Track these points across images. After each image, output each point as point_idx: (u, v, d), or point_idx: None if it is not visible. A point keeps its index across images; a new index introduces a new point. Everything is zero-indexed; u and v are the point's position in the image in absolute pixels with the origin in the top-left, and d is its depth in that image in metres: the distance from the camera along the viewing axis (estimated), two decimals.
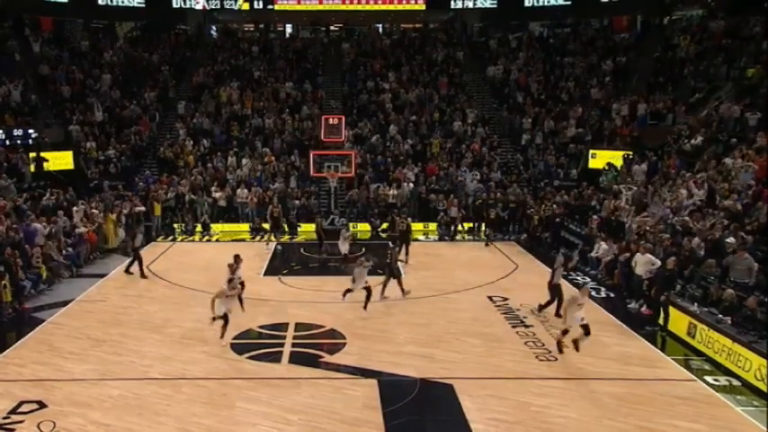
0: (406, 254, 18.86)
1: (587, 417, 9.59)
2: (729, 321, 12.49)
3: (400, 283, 15.32)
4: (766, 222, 14.86)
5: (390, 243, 19.20)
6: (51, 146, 25.12)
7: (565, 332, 11.98)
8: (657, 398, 10.30)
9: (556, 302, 14.18)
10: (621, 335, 13.29)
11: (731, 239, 14.59)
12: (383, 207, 24.35)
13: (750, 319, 12.12)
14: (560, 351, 11.92)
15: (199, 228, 23.54)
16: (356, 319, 13.77)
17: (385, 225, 23.17)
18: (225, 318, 12.12)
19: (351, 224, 23.56)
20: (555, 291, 14.30)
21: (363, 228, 23.96)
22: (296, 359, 11.59)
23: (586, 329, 11.72)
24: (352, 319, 13.70)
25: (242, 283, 13.79)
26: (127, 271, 17.32)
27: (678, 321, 13.48)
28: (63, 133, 26.69)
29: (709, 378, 11.22)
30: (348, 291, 14.45)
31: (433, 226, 23.66)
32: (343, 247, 18.54)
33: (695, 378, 11.20)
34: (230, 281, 12.61)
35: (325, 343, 12.42)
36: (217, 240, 22.36)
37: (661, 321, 13.86)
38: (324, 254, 19.96)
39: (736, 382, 11.08)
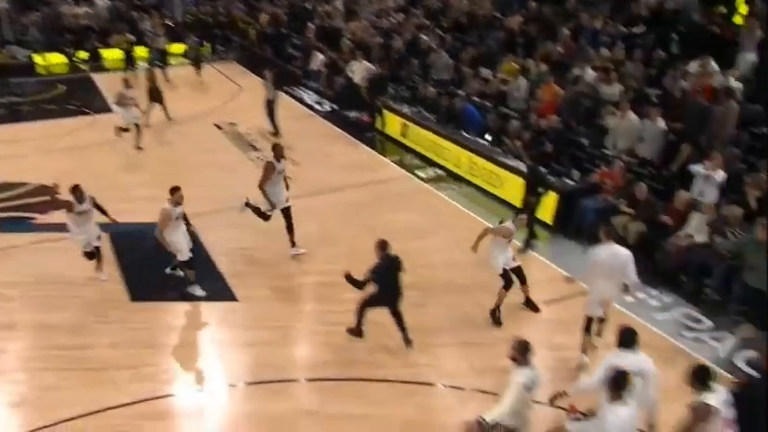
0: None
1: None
2: (434, 118, 14.40)
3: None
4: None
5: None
6: None
7: None
8: (382, 197, 11.82)
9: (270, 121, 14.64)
10: (347, 145, 14.52)
11: (425, 38, 16.25)
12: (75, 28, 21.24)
13: (450, 113, 14.08)
14: None
15: None
16: (69, 169, 11.90)
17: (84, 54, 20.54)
18: None
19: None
20: (269, 107, 14.59)
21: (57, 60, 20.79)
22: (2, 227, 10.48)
23: None
24: (64, 170, 11.84)
25: None
26: None
27: (393, 123, 15.11)
28: None
29: (420, 172, 13.09)
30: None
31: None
32: None
33: (409, 174, 13.01)
34: None
35: (34, 203, 11.27)
36: None
37: (379, 126, 15.39)
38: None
39: (440, 172, 13.14)
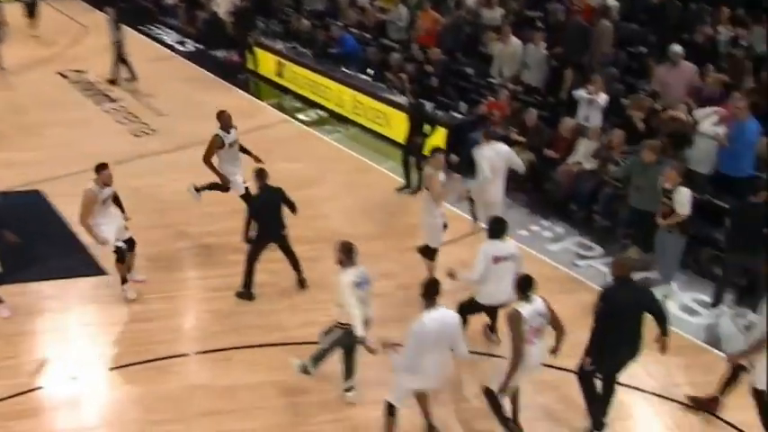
0: None
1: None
2: (311, 54, 14.12)
3: None
4: None
5: None
6: None
7: None
8: (262, 145, 11.41)
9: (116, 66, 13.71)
10: (217, 89, 13.92)
11: None
12: None
13: (325, 50, 13.84)
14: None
15: None
16: None
17: None
18: None
19: None
20: (116, 49, 13.75)
21: None
22: None
23: None
24: None
25: None
26: None
27: (266, 62, 14.67)
28: None
29: (301, 115, 12.88)
30: None
31: None
32: None
33: (289, 118, 12.74)
34: None
35: None
36: None
37: (251, 66, 14.89)
38: None
39: (323, 114, 13.00)
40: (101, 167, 7.32)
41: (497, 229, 6.38)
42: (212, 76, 14.57)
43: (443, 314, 5.18)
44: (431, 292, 5.16)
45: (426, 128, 10.02)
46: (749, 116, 8.14)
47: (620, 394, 6.20)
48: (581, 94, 9.91)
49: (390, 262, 8.21)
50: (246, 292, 7.55)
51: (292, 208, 7.63)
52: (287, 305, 7.56)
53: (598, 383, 5.74)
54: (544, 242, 8.95)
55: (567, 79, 10.60)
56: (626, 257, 6.11)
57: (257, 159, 8.50)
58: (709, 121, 8.33)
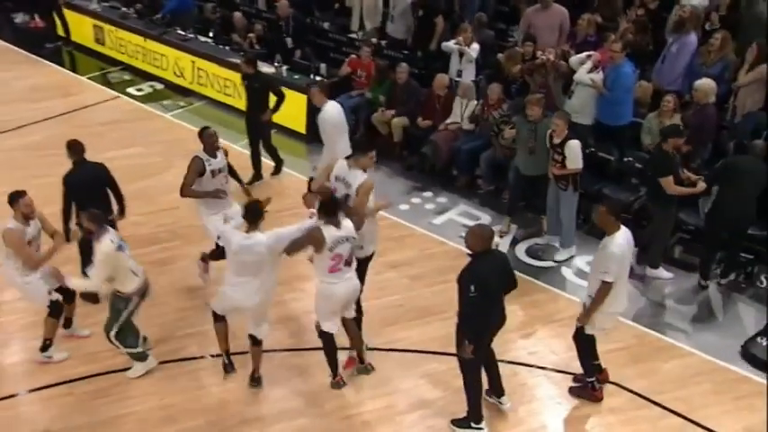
0: None
1: None
2: (134, 13, 13.33)
3: None
4: None
5: None
6: None
7: None
8: (87, 130, 10.59)
9: None
10: (21, 63, 12.95)
11: None
12: None
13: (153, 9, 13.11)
14: None
15: None
16: None
17: None
18: None
19: None
20: None
21: None
22: None
23: None
24: None
25: None
26: None
27: (81, 27, 13.75)
28: None
29: (132, 90, 12.28)
30: None
31: None
32: None
33: (118, 94, 12.09)
34: None
35: None
36: None
37: (62, 32, 13.92)
38: None
39: (159, 86, 12.44)
40: (16, 196, 6.22)
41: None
42: (12, 47, 13.47)
43: (257, 240, 5.86)
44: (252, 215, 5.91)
45: (278, 101, 9.37)
46: (624, 59, 8.62)
47: (525, 376, 6.56)
48: (450, 45, 10.10)
49: None
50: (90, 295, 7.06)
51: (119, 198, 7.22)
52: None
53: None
54: (428, 216, 9.14)
55: (439, 29, 10.74)
56: (482, 226, 6.18)
57: (247, 191, 7.70)
58: (584, 69, 8.76)
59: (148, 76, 12.67)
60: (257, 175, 9.62)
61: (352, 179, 6.23)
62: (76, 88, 12.36)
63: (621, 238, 5.83)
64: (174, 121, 11.44)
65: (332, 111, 8.36)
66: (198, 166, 7.11)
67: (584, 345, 6.21)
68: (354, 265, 6.15)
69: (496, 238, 8.33)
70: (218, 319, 6.38)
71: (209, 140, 7.22)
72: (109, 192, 7.12)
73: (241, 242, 5.86)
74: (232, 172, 7.61)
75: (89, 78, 12.72)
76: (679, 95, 8.54)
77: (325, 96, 8.40)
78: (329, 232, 5.82)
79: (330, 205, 5.92)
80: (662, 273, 7.97)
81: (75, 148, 7.01)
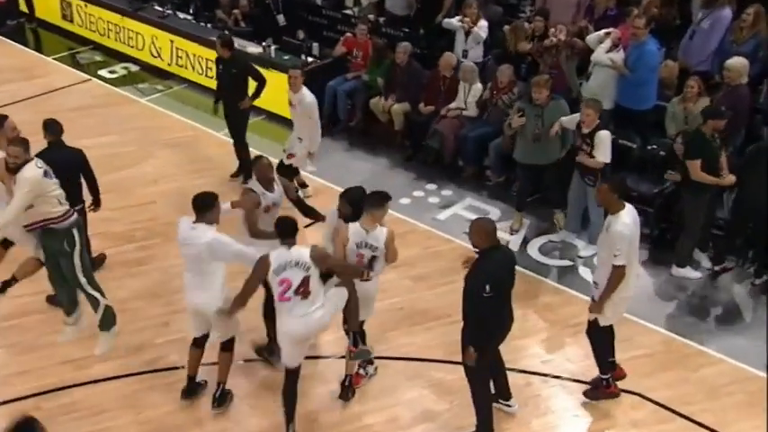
0: None
1: None
2: None
3: None
4: None
5: None
6: None
7: None
8: (53, 116, 10.63)
9: None
10: None
11: None
12: None
13: None
14: None
15: None
16: None
17: None
18: None
19: None
20: None
21: None
22: None
23: None
24: None
25: None
26: None
27: (47, 2, 13.60)
28: None
29: (104, 72, 12.19)
30: None
31: None
32: None
33: (89, 77, 12.00)
34: None
35: None
36: None
37: (25, 8, 13.78)
38: None
39: (134, 68, 12.37)
40: None
41: None
42: None
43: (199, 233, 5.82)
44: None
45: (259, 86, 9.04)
46: (648, 36, 8.49)
47: (539, 386, 6.47)
48: (452, 22, 9.97)
49: None
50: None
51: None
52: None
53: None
54: (432, 211, 9.06)
55: (447, 3, 10.62)
56: (483, 219, 5.97)
57: (316, 217, 7.19)
58: (602, 48, 8.65)
59: (122, 57, 12.61)
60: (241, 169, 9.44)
61: (374, 240, 5.93)
62: (42, 70, 12.28)
63: (627, 217, 5.81)
64: (150, 106, 11.39)
65: (313, 98, 8.46)
66: (254, 201, 6.59)
67: (600, 339, 6.15)
68: (320, 302, 5.67)
69: (506, 236, 8.32)
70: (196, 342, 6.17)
71: (263, 171, 6.71)
72: (82, 180, 7.09)
73: (183, 232, 5.79)
74: (301, 205, 7.22)
75: (56, 59, 12.65)
76: (705, 77, 8.44)
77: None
78: (278, 253, 5.53)
79: (286, 226, 5.65)
80: (689, 272, 7.90)
81: (52, 127, 6.98)
